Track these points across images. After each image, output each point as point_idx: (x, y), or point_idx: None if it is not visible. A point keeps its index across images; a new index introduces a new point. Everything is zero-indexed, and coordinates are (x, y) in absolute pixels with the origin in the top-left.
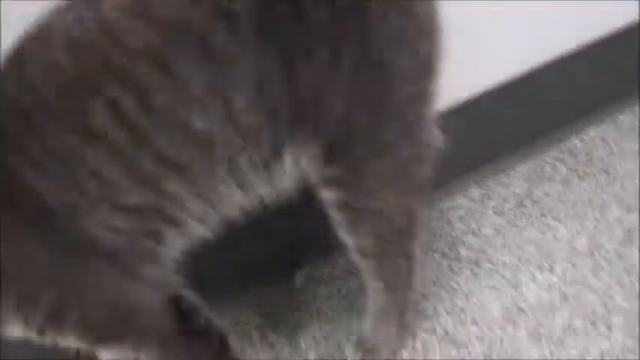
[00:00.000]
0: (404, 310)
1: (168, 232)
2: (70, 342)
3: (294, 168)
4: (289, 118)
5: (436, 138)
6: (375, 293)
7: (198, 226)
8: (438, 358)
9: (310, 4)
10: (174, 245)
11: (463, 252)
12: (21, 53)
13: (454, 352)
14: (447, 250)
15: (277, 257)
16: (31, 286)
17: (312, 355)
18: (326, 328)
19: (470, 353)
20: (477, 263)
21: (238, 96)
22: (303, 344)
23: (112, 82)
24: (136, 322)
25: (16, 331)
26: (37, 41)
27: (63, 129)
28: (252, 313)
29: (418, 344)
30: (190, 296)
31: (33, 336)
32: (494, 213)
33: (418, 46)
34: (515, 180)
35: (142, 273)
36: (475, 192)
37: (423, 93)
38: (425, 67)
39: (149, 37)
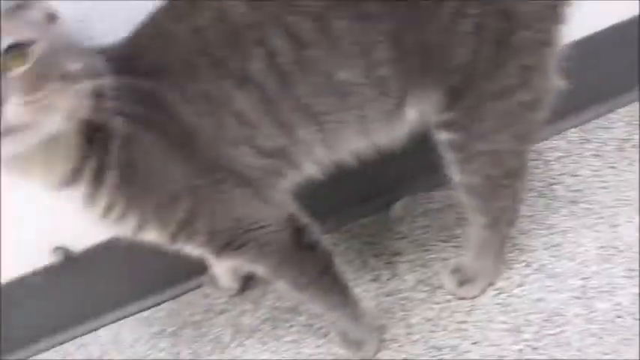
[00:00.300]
0: (503, 243)
1: (289, 171)
2: (196, 249)
3: (415, 115)
4: (417, 67)
5: (555, 83)
6: (477, 228)
7: (314, 168)
8: (533, 288)
9: None
10: (293, 179)
11: (560, 191)
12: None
13: (549, 283)
14: (544, 189)
15: (377, 189)
16: (170, 195)
17: (410, 280)
18: (423, 256)
19: (565, 286)
20: (574, 202)
21: (378, 50)
22: (401, 270)
23: (277, 35)
24: (257, 235)
25: (150, 235)
26: None
27: (220, 75)
28: (353, 240)
29: (514, 275)
30: (303, 216)
31: (165, 241)
32: (593, 155)
33: None
34: (615, 123)
35: (265, 196)
36: (574, 134)
37: (546, 39)
38: (549, 12)
39: (318, 1)
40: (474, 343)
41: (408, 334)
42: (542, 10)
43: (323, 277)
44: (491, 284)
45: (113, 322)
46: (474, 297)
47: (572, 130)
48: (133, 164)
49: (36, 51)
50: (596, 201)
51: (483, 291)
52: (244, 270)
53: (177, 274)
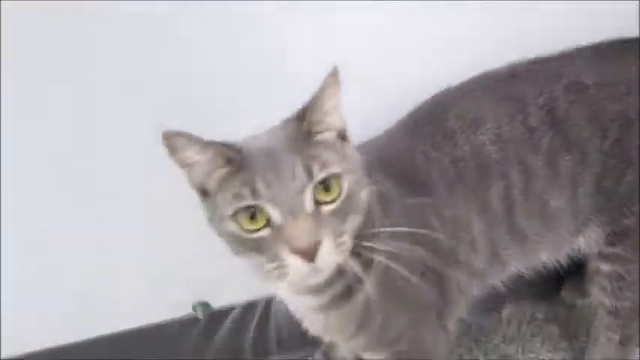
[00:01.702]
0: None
1: (475, 292)
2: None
3: (583, 243)
4: (603, 205)
5: None
6: (606, 344)
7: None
8: None
9: None
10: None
11: None
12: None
13: None
14: None
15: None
16: (397, 317)
17: None
18: None
19: None
20: None
21: (583, 186)
22: None
23: (516, 169)
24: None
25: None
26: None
27: (468, 201)
28: (464, 337)
29: None
30: None
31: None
32: None
33: None
34: None
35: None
36: None
37: None
38: None
39: (554, 142)
40: None
41: None
42: None
43: None
44: None
45: None
46: None
47: None
48: (384, 284)
49: (346, 185)
50: None
51: None
52: None
53: (291, 342)
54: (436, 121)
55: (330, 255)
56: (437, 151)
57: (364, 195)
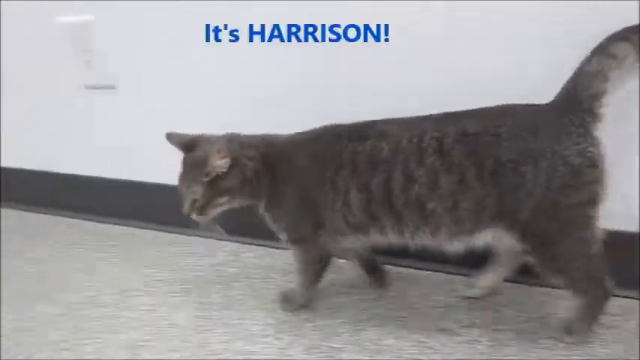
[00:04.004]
0: (596, 312)
1: (358, 238)
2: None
3: (481, 242)
4: (490, 219)
5: (599, 232)
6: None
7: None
8: None
9: (524, 168)
10: (352, 244)
11: None
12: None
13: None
14: None
15: None
16: (283, 214)
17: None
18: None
19: None
20: None
21: (466, 202)
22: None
23: (398, 171)
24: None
25: (275, 228)
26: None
27: (351, 177)
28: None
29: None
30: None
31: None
32: None
33: (582, 179)
34: None
35: (322, 235)
36: None
37: (589, 200)
38: (589, 186)
39: (436, 163)
40: None
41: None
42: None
43: (318, 273)
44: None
45: None
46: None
47: None
48: (272, 200)
49: (200, 201)
50: None
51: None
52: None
53: None
54: (364, 129)
55: (196, 218)
56: (350, 142)
57: (220, 201)
